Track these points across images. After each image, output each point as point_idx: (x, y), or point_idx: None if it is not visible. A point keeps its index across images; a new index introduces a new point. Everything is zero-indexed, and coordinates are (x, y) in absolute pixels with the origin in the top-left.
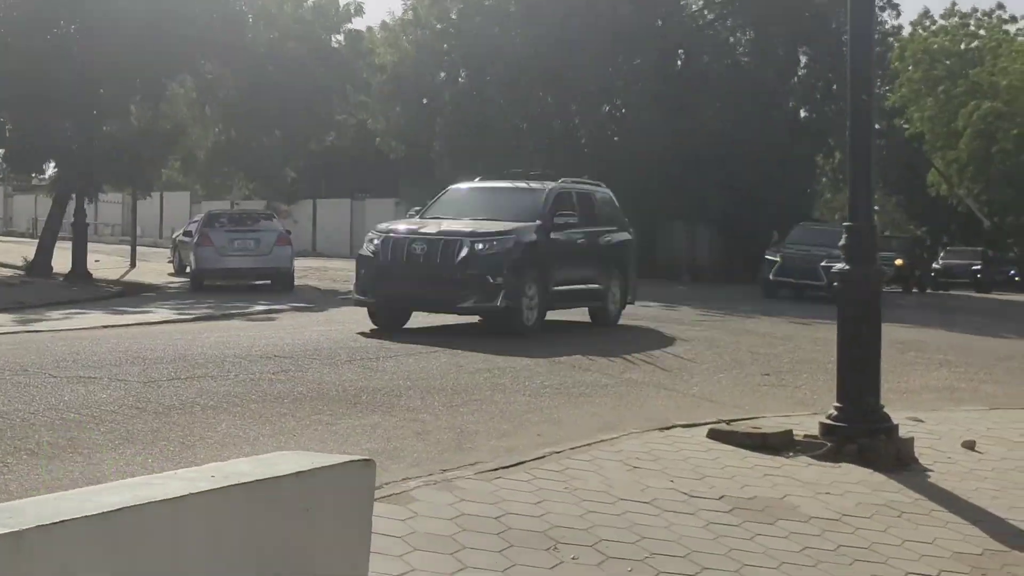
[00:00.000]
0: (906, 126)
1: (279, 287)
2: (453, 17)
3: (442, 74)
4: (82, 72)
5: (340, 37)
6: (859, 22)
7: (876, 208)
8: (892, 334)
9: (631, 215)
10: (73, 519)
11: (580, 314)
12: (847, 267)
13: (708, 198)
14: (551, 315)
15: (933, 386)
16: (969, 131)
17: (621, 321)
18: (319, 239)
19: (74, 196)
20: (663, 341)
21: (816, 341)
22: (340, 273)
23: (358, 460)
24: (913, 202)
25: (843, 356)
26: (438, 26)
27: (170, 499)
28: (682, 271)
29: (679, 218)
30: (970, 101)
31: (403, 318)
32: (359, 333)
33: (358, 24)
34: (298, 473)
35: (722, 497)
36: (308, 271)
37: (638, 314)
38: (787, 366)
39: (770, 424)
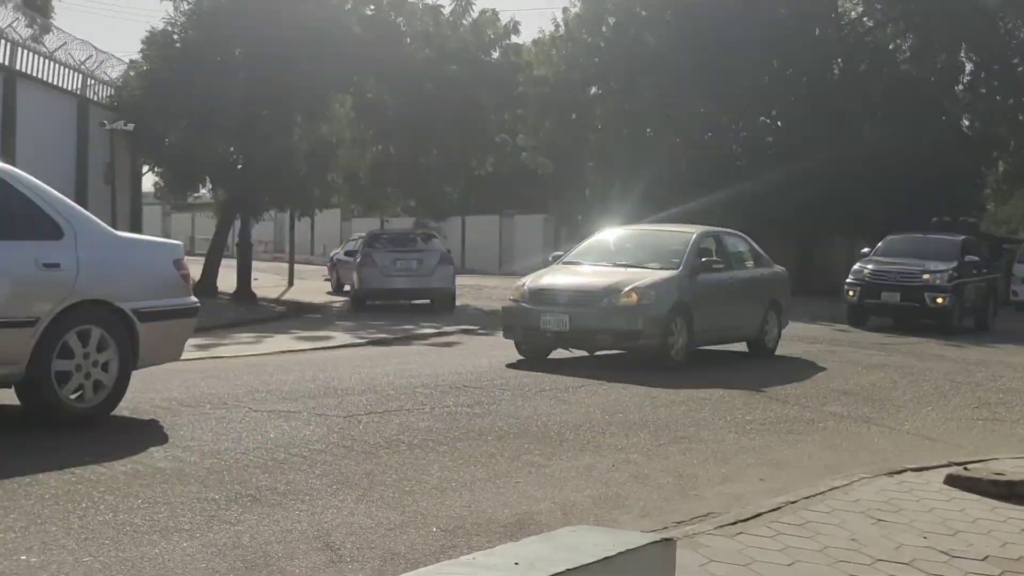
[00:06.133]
0: None
1: (441, 307)
2: (604, 31)
3: (593, 88)
4: (246, 93)
5: (496, 54)
6: None
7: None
8: None
9: (788, 229)
10: None
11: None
12: None
13: (867, 211)
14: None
15: None
16: None
17: (793, 345)
18: (468, 256)
19: (238, 216)
20: (852, 368)
21: (1014, 367)
22: (496, 291)
23: (658, 541)
24: None
25: None
26: (589, 40)
27: None
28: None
29: (837, 232)
30: None
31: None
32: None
33: (514, 40)
34: (605, 560)
35: (986, 558)
36: (463, 289)
37: (811, 335)
38: (994, 397)
39: (1010, 469)
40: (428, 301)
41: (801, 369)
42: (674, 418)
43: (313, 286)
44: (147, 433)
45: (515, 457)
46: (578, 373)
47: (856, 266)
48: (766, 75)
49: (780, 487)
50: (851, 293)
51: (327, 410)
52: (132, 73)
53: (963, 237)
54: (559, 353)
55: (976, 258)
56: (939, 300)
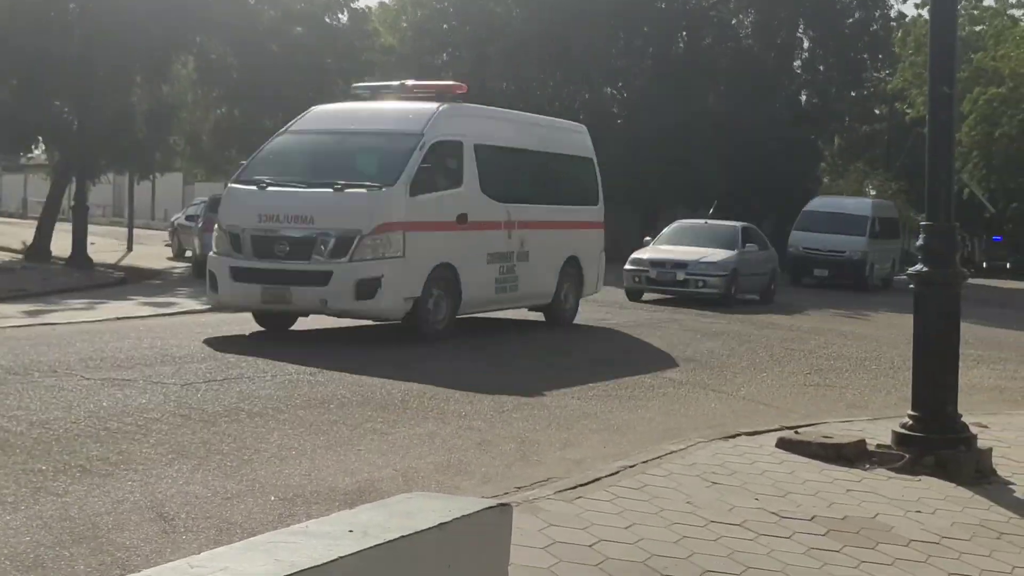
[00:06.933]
0: (908, 111)
1: None
2: None
3: (443, 55)
4: (81, 50)
5: (343, 17)
6: (941, 11)
7: (874, 193)
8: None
9: (631, 198)
10: None
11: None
12: (926, 269)
13: (710, 182)
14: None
15: (980, 385)
16: (974, 115)
17: (637, 313)
18: None
19: (74, 178)
20: (693, 335)
21: (845, 335)
22: None
23: (495, 506)
24: (916, 188)
25: (920, 363)
26: (438, 6)
27: (318, 566)
28: None
29: (680, 202)
30: (974, 87)
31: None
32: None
33: (361, 5)
34: (440, 525)
35: (813, 518)
36: None
37: (653, 303)
38: (826, 364)
39: (837, 432)
40: None
41: (644, 336)
42: (518, 384)
43: (153, 251)
44: None
45: (357, 425)
46: (423, 343)
47: None
48: (612, 46)
49: (620, 452)
50: None
51: (164, 378)
52: None
53: None
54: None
55: None
56: None
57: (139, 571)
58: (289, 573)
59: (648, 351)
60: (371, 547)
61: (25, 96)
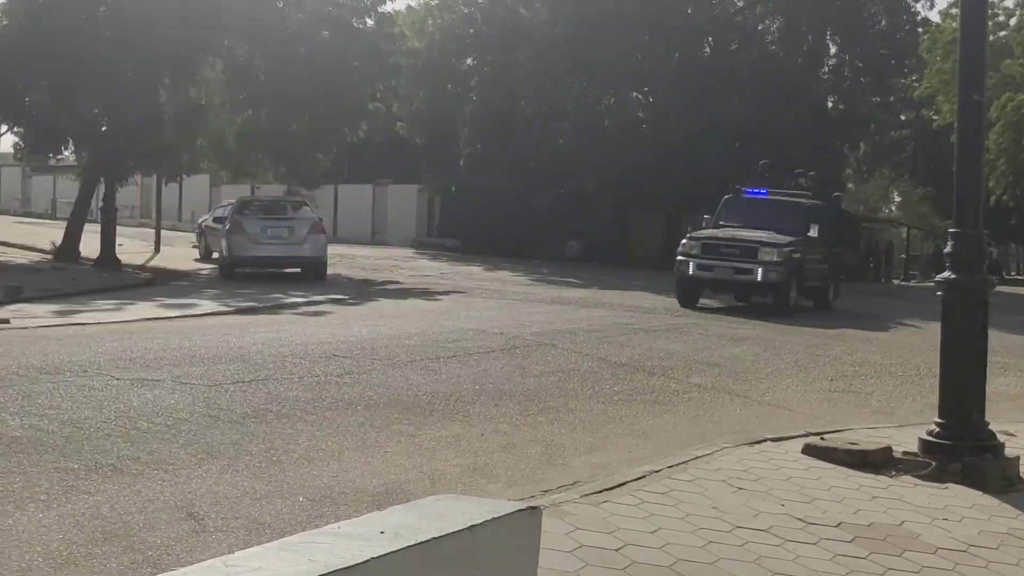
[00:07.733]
0: (935, 117)
1: (311, 276)
2: (481, 1)
3: (469, 60)
4: (111, 53)
5: (371, 21)
6: (970, 18)
7: (899, 199)
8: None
9: (657, 204)
10: None
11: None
12: (953, 275)
13: (735, 188)
14: None
15: (1006, 393)
16: (1001, 122)
17: (661, 318)
18: (340, 225)
19: (103, 180)
20: (717, 341)
21: (870, 341)
22: (368, 261)
23: (524, 509)
24: (942, 194)
25: (947, 370)
26: (465, 10)
27: (351, 567)
28: None
29: (705, 207)
30: (1002, 94)
31: None
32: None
33: (388, 8)
34: (471, 527)
35: (839, 524)
36: (335, 259)
37: (686, 309)
38: (851, 370)
39: (863, 439)
40: (298, 270)
41: (668, 341)
42: (543, 388)
43: (180, 253)
44: (2, 400)
45: (384, 427)
46: (449, 345)
47: None
48: (638, 51)
49: (645, 456)
50: None
51: (193, 379)
52: None
53: None
54: (432, 325)
55: None
56: None
57: (172, 570)
58: (322, 573)
59: (672, 356)
60: (402, 548)
61: (55, 98)
